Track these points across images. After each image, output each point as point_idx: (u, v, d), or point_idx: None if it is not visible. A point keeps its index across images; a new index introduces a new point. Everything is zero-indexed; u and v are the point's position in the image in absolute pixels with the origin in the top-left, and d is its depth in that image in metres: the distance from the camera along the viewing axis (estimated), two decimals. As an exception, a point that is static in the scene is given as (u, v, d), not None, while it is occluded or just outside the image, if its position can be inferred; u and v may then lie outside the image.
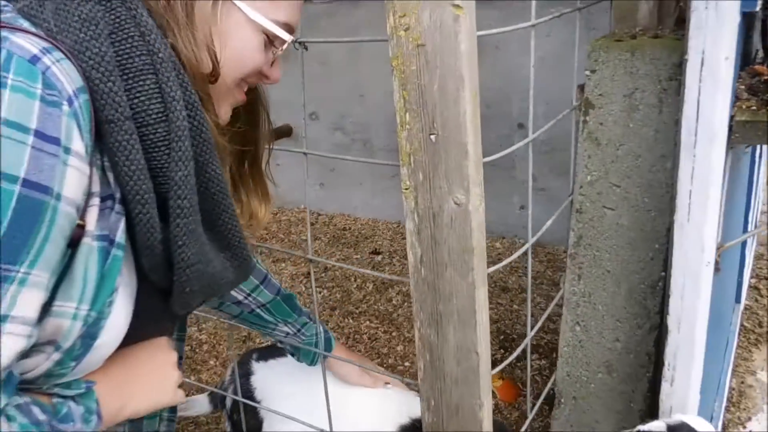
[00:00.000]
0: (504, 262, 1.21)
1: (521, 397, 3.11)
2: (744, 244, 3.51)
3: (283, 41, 1.00)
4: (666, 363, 1.27)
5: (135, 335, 0.93)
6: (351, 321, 3.83)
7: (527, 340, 1.41)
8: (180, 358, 1.31)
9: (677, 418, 1.22)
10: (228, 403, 1.83)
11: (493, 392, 3.20)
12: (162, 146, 0.81)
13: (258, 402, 1.72)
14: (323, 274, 4.30)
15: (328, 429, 1.42)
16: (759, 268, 4.72)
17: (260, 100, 1.16)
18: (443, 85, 0.93)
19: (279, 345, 1.68)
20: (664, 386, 1.28)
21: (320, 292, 4.11)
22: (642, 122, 1.43)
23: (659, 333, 1.50)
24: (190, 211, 0.84)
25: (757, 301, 4.28)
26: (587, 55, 1.43)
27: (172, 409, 1.30)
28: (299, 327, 1.57)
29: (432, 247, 1.08)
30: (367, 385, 1.68)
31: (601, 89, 1.45)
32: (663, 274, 1.46)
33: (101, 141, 0.79)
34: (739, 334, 3.82)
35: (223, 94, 0.99)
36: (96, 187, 0.80)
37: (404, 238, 1.12)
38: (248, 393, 1.75)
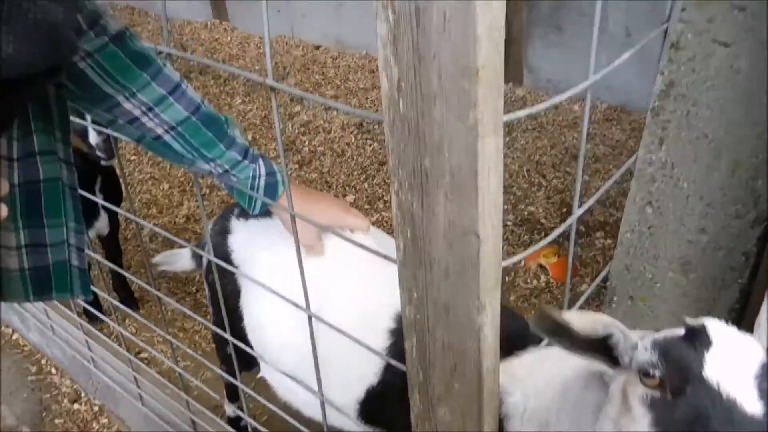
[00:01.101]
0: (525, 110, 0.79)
1: (577, 276, 2.75)
2: None
3: None
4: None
5: None
6: (400, 179, 3.48)
7: (573, 220, 1.01)
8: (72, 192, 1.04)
9: (703, 320, 0.85)
10: (204, 262, 1.56)
11: (545, 268, 2.86)
12: None
13: (236, 267, 1.43)
14: (375, 126, 3.92)
15: (307, 310, 1.12)
16: None
17: None
18: None
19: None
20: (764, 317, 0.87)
21: (370, 145, 3.75)
22: None
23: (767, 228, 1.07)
24: None
25: None
26: None
27: (77, 220, 1.11)
28: (227, 167, 1.14)
29: (415, 65, 0.67)
30: (308, 246, 1.32)
31: None
32: (788, 144, 1.01)
33: None
34: None
35: None
36: None
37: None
38: (225, 255, 1.45)
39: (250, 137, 3.97)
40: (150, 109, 1.05)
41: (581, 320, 0.84)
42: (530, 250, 0.94)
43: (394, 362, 1.01)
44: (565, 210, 3.18)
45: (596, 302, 2.40)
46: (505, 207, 3.24)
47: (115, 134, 1.12)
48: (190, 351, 1.55)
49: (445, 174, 0.71)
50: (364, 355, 1.15)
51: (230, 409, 2.02)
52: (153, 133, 1.09)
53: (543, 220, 3.12)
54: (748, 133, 1.03)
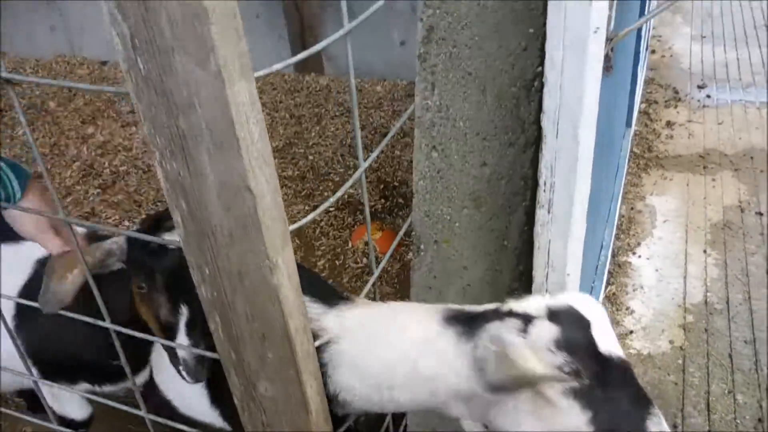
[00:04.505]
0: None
1: (403, 247, 2.84)
2: (636, 58, 3.24)
3: None
4: (541, 183, 0.92)
5: None
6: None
7: (361, 171, 1.02)
8: None
9: (562, 299, 0.95)
10: None
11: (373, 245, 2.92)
12: None
13: None
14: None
15: None
16: (649, 92, 4.58)
17: None
18: None
19: None
20: (540, 214, 0.94)
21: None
22: None
23: (537, 150, 1.16)
24: None
25: (646, 125, 4.15)
26: None
27: None
28: None
29: (143, 15, 0.62)
30: (47, 245, 1.19)
31: None
32: (540, 69, 1.09)
33: None
34: (629, 160, 3.68)
35: None
36: None
37: None
38: None
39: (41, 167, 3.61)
40: None
41: (536, 362, 0.90)
42: (320, 209, 0.93)
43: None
44: (383, 186, 3.27)
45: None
46: (326, 194, 3.26)
47: None
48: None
49: (203, 131, 0.68)
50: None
51: None
52: None
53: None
54: (504, 65, 1.10)
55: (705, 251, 3.07)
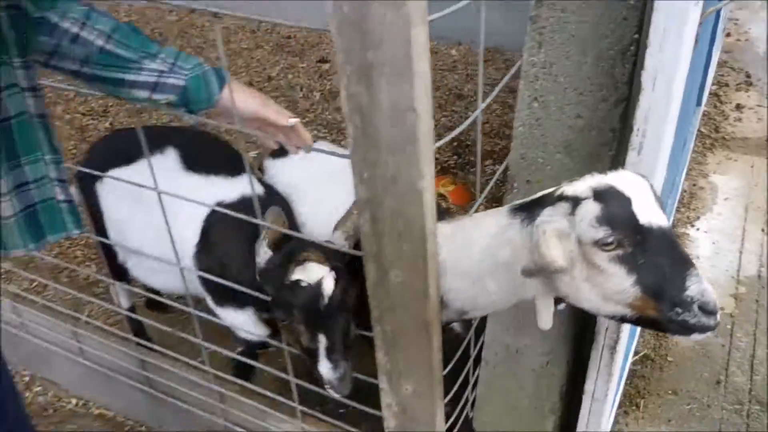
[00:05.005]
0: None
1: (473, 200, 3.04)
2: (713, 38, 3.31)
3: None
4: (635, 129, 1.11)
5: None
6: (298, 131, 3.61)
7: (478, 112, 1.22)
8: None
9: (603, 180, 1.07)
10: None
11: (444, 196, 3.13)
12: None
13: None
14: (266, 84, 4.00)
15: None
16: (720, 75, 4.59)
17: None
18: None
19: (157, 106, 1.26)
20: (630, 155, 1.12)
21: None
22: None
23: (626, 106, 1.33)
24: None
25: (715, 107, 4.20)
26: None
27: (53, 151, 1.20)
28: (172, 60, 1.17)
29: (356, -29, 0.83)
30: (270, 118, 1.33)
31: None
32: (636, 36, 1.26)
33: None
34: (696, 138, 3.76)
35: None
36: None
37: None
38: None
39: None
40: (84, 23, 1.13)
41: (559, 253, 1.04)
42: (457, 130, 1.14)
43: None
44: (456, 144, 3.45)
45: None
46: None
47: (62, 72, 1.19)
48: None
49: (386, 63, 0.89)
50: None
51: (122, 296, 2.30)
52: (96, 46, 1.14)
53: (437, 156, 3.38)
54: (605, 31, 1.27)
55: (763, 230, 3.17)
